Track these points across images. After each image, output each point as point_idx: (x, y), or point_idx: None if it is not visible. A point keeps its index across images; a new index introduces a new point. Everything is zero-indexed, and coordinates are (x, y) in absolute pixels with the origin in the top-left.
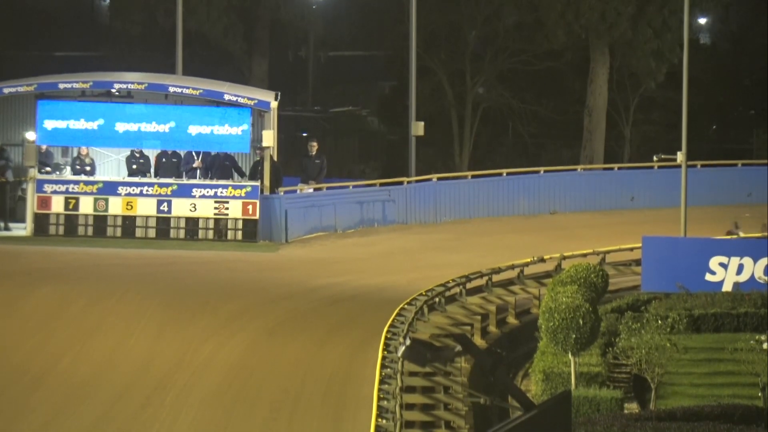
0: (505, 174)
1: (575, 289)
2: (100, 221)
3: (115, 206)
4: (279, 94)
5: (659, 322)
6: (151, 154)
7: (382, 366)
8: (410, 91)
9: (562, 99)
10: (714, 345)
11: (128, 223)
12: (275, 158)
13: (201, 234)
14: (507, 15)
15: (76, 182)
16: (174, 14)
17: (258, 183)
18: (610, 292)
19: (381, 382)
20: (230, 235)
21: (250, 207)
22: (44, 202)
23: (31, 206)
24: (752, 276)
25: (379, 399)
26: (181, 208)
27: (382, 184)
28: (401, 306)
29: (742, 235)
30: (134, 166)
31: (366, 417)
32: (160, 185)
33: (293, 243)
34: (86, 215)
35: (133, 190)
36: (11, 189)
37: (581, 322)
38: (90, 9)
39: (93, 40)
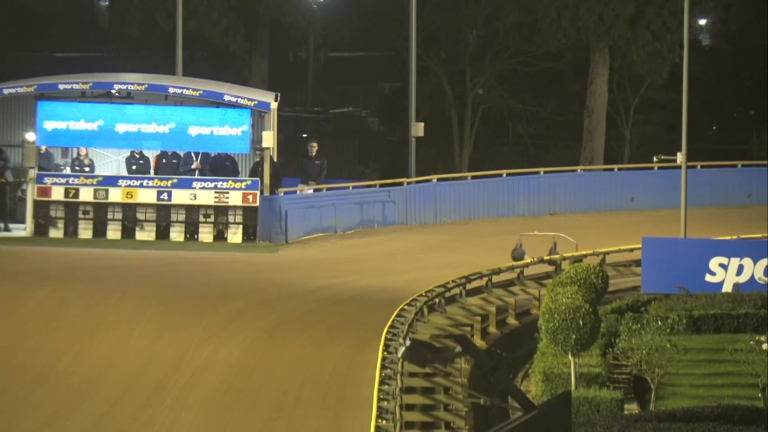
0: (505, 175)
1: (575, 289)
2: (101, 210)
3: (115, 195)
4: (279, 94)
5: (659, 322)
6: (151, 155)
7: (382, 367)
8: (410, 91)
9: (562, 100)
10: (714, 346)
11: (128, 210)
12: (275, 159)
13: (201, 218)
14: (507, 15)
15: (77, 176)
16: (174, 15)
17: (258, 178)
18: (610, 293)
19: (381, 382)
20: (232, 228)
21: (250, 196)
22: (44, 192)
23: (31, 204)
24: (752, 277)
25: (379, 400)
26: (181, 197)
27: (382, 185)
28: (401, 307)
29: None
30: (134, 167)
31: (366, 418)
32: (161, 179)
33: (293, 244)
34: (86, 203)
35: (133, 182)
36: (11, 190)
37: (581, 323)
38: (90, 10)
39: (93, 41)
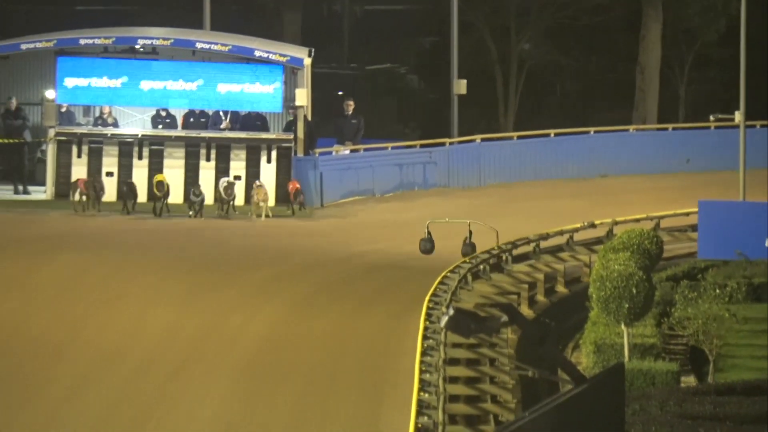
0: (552, 134)
1: (628, 256)
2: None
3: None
4: (313, 50)
5: (717, 290)
6: (178, 113)
7: (424, 337)
8: (452, 47)
9: (612, 56)
10: None
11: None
12: (309, 118)
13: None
14: None
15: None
16: None
17: (292, 135)
18: (665, 260)
19: (423, 354)
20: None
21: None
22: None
23: (51, 165)
24: None
25: (421, 372)
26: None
27: (422, 146)
28: (444, 274)
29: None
30: (160, 126)
31: (407, 391)
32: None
33: (328, 207)
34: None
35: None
36: (30, 150)
37: (634, 291)
38: None
39: None
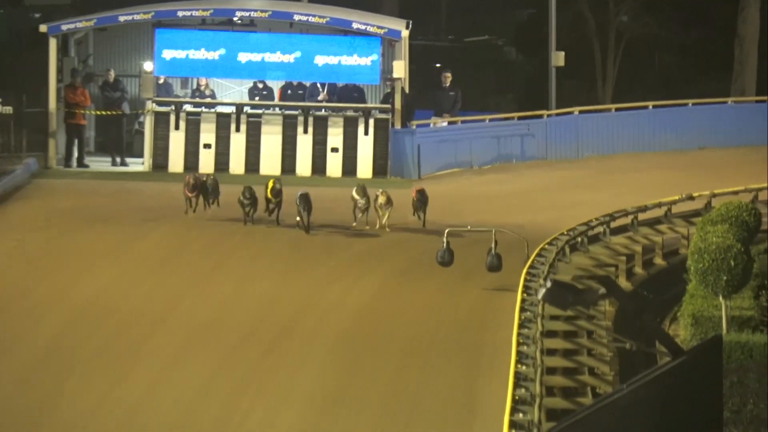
0: (651, 107)
1: (726, 228)
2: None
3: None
4: (410, 22)
5: None
6: (275, 85)
7: (521, 309)
8: (550, 19)
9: (711, 28)
10: None
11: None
12: (406, 90)
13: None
14: None
15: (198, 105)
16: None
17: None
18: (763, 232)
19: (520, 326)
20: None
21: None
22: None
23: (149, 138)
24: None
25: (519, 344)
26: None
27: (520, 118)
28: (541, 246)
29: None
30: (257, 98)
31: (504, 363)
32: (287, 108)
33: (426, 179)
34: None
35: (257, 111)
36: (128, 122)
37: (733, 263)
38: None
39: None
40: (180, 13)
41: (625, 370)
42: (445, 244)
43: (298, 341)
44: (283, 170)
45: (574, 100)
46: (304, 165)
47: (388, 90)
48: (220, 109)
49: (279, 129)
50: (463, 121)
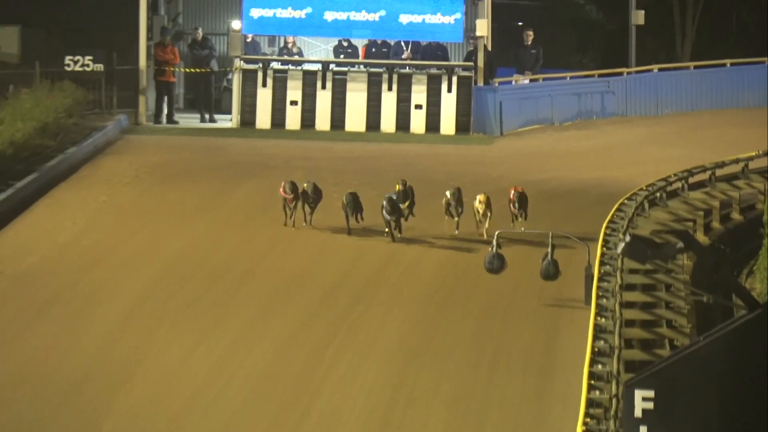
0: (729, 65)
1: None
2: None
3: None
4: None
5: None
6: (360, 44)
7: (601, 263)
8: None
9: None
10: None
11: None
12: (489, 48)
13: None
14: None
15: (285, 63)
16: None
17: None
18: None
19: (600, 279)
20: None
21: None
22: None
23: (237, 94)
24: None
25: (598, 297)
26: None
27: (600, 75)
28: (621, 201)
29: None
30: (342, 56)
31: (584, 317)
32: (372, 66)
33: (507, 136)
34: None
35: (342, 68)
36: (216, 80)
37: None
38: None
39: None
40: None
41: (702, 322)
42: (494, 247)
43: (383, 293)
44: (368, 127)
45: (654, 59)
46: (388, 121)
47: (471, 48)
48: (306, 66)
49: (364, 86)
50: (544, 79)
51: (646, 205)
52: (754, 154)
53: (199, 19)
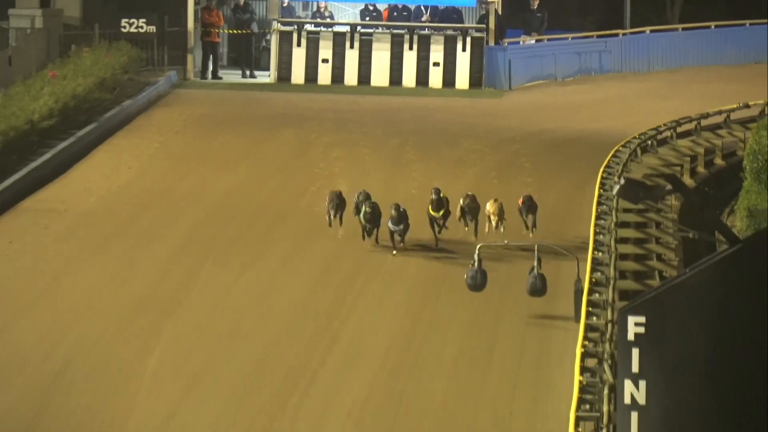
0: (713, 26)
1: None
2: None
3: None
4: None
5: None
6: (382, 8)
7: (598, 203)
8: None
9: None
10: None
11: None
12: (499, 12)
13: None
14: None
15: (318, 25)
16: None
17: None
18: None
19: (597, 218)
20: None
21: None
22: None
23: (274, 54)
24: None
25: (596, 233)
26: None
27: (598, 36)
28: (616, 148)
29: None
30: (367, 18)
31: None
32: (395, 28)
33: (516, 90)
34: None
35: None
36: (256, 40)
37: None
38: None
39: None
40: None
41: (688, 256)
42: (476, 263)
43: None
44: (391, 82)
45: (647, 22)
46: (409, 77)
47: (483, 12)
48: (336, 28)
49: (387, 46)
50: (548, 39)
51: (639, 152)
52: (735, 106)
53: None
